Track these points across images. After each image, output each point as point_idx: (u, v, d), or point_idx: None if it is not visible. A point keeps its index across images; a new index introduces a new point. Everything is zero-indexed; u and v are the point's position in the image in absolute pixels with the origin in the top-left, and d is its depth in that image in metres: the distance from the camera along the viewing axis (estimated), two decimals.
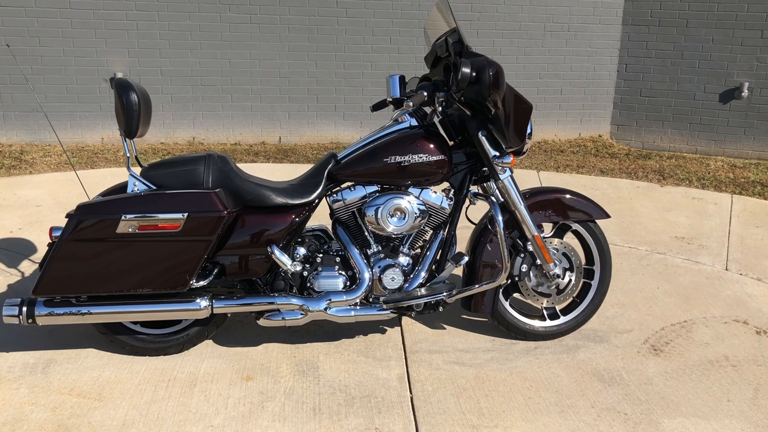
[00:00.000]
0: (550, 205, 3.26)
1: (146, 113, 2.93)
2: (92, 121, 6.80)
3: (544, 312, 3.39)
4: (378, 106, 3.47)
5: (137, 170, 2.95)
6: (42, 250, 4.25)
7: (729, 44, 7.28)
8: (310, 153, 6.89)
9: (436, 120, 3.16)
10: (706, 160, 7.19)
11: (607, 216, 3.33)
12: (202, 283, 2.92)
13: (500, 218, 3.03)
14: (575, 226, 3.35)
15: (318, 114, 7.24)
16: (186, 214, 2.74)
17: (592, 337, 3.45)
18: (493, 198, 3.12)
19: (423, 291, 3.07)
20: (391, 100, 3.30)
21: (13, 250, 4.30)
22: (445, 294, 3.05)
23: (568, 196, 3.29)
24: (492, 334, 3.44)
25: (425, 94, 2.92)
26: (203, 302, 2.92)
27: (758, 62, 7.19)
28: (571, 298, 3.40)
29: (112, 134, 6.86)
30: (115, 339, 3.06)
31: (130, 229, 2.72)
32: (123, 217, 2.70)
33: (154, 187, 2.89)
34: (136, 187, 2.89)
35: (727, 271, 4.40)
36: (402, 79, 3.29)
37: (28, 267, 4.07)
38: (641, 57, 7.64)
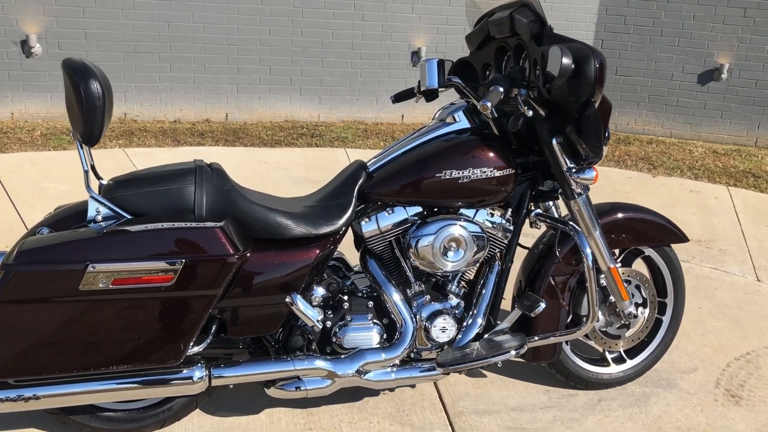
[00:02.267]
0: (624, 227, 2.63)
1: (109, 110, 2.07)
2: None
3: (608, 356, 2.78)
4: (401, 97, 2.73)
5: (95, 186, 2.10)
6: None
7: (710, 22, 6.86)
8: (264, 134, 6.01)
9: (489, 120, 2.45)
10: (686, 145, 6.81)
11: (686, 240, 2.74)
12: (196, 348, 2.12)
13: (589, 251, 2.36)
14: (648, 252, 2.74)
15: (271, 88, 6.34)
16: (183, 260, 1.92)
17: (656, 381, 2.88)
18: (572, 224, 2.44)
19: (484, 347, 2.38)
20: (423, 90, 2.56)
21: None
22: (514, 352, 2.37)
23: (643, 215, 2.67)
24: (544, 382, 2.81)
25: (501, 90, 2.18)
26: (197, 373, 2.13)
27: (739, 42, 6.82)
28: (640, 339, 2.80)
29: (25, 108, 5.74)
30: (69, 420, 2.22)
31: (100, 284, 1.88)
32: (90, 267, 1.86)
33: (125, 215, 2.05)
34: (100, 214, 2.03)
35: (760, 282, 3.95)
36: (441, 64, 2.54)
37: None
38: (619, 32, 7.13)
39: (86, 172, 2.06)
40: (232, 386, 2.26)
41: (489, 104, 2.13)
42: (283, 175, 5.11)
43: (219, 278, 1.98)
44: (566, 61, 2.04)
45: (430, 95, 2.60)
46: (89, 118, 1.95)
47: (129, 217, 2.04)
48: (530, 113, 2.20)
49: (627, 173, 5.83)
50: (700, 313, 3.52)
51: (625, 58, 7.15)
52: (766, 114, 6.90)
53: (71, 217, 2.08)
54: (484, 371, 2.85)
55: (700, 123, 7.10)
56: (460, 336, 2.41)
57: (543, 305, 2.42)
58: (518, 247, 2.66)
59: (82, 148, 2.06)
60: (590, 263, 2.35)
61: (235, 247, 1.99)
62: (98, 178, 2.17)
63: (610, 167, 5.94)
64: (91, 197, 2.04)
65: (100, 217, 2.02)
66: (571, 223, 2.43)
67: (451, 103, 2.56)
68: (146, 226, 1.95)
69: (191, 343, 2.05)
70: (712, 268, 4.10)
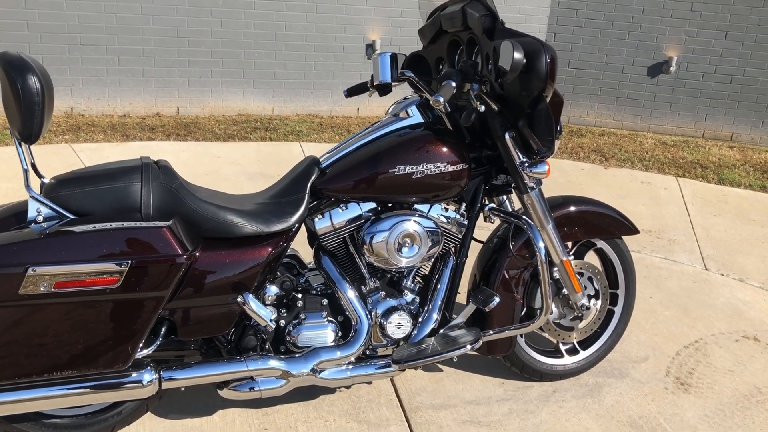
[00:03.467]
0: (576, 220, 2.66)
1: (50, 106, 1.99)
2: None
3: (561, 347, 2.81)
4: (354, 91, 2.70)
5: (36, 185, 2.02)
6: None
7: (659, 16, 6.99)
8: (217, 128, 5.91)
9: (443, 115, 2.44)
10: (636, 137, 6.94)
11: (637, 232, 2.78)
12: (145, 351, 2.07)
13: (542, 244, 2.37)
14: (600, 244, 2.78)
15: (223, 81, 6.23)
16: (129, 262, 1.86)
17: (609, 370, 2.92)
18: (525, 217, 2.44)
19: (440, 343, 2.38)
20: (376, 84, 2.54)
21: None
22: (469, 346, 2.37)
23: (595, 208, 2.70)
24: (499, 375, 2.83)
25: (454, 84, 2.16)
26: (147, 376, 2.07)
27: (687, 36, 6.97)
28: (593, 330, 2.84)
29: None
30: (12, 429, 2.13)
31: (42, 288, 1.81)
32: (30, 270, 1.79)
33: (68, 215, 1.98)
34: (41, 215, 1.96)
35: (708, 271, 4.05)
36: (394, 57, 2.52)
37: None
38: (571, 26, 7.21)
39: (26, 171, 1.98)
40: (183, 389, 2.21)
41: (442, 99, 2.12)
42: (237, 170, 5.03)
43: (167, 279, 1.92)
44: (517, 55, 2.04)
45: (384, 89, 2.58)
46: (28, 116, 1.87)
47: (72, 217, 1.97)
48: (482, 108, 2.20)
49: (580, 165, 5.91)
50: (650, 302, 3.58)
51: (577, 51, 7.25)
52: (713, 106, 7.08)
53: (10, 218, 1.99)
54: (440, 366, 2.85)
55: (650, 115, 7.24)
56: (415, 332, 2.40)
57: (497, 299, 2.43)
58: (473, 242, 2.67)
59: (20, 146, 1.98)
60: (543, 256, 2.36)
61: (184, 246, 1.94)
62: (39, 176, 2.08)
63: (563, 159, 6.02)
64: (32, 197, 1.96)
65: (41, 218, 1.95)
66: (524, 217, 2.44)
67: (405, 98, 2.54)
68: (90, 226, 1.88)
69: (140, 347, 1.99)
70: (662, 258, 4.18)
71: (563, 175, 5.55)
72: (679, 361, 3.05)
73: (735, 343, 3.23)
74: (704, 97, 7.08)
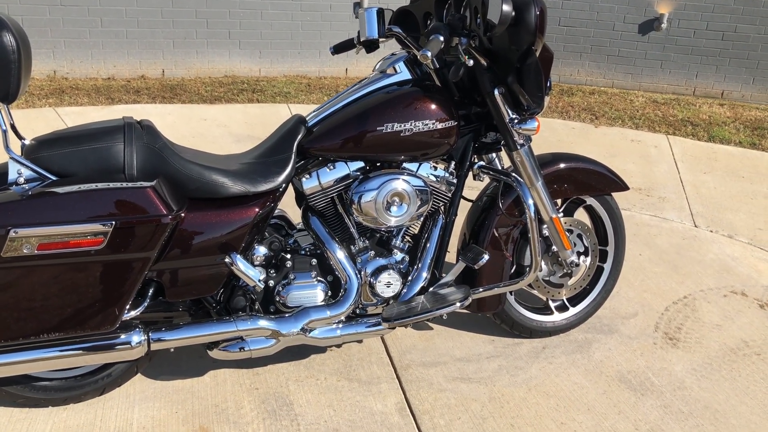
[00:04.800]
0: (566, 177, 2.64)
1: (27, 65, 1.94)
2: None
3: (551, 304, 2.82)
4: (341, 48, 2.65)
5: (17, 148, 1.98)
6: None
7: None
8: (203, 90, 5.83)
9: (431, 71, 2.40)
10: (627, 95, 6.90)
11: (627, 188, 2.77)
12: (133, 313, 2.05)
13: (531, 201, 2.36)
14: (590, 201, 2.77)
15: (209, 42, 6.13)
16: (113, 222, 1.84)
17: (599, 327, 2.94)
18: (515, 174, 2.43)
19: (429, 300, 2.38)
20: (363, 40, 2.48)
21: None
22: (459, 304, 2.37)
23: (585, 165, 2.68)
24: (489, 332, 2.84)
25: (441, 39, 2.12)
26: (135, 337, 2.06)
27: None
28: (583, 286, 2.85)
29: None
30: (1, 392, 2.13)
31: (25, 250, 1.78)
32: (12, 232, 1.76)
33: (50, 176, 1.94)
34: (22, 176, 1.92)
35: (697, 228, 4.06)
36: (381, 13, 2.47)
37: None
38: None
39: (4, 132, 1.93)
40: (173, 350, 2.21)
41: (429, 54, 2.08)
42: (224, 132, 4.97)
43: (152, 240, 1.90)
44: (506, 8, 2.00)
45: (371, 46, 2.53)
46: (4, 74, 1.83)
47: (54, 178, 1.94)
48: (471, 63, 2.16)
49: (570, 124, 5.88)
50: (640, 259, 3.60)
51: (568, 9, 7.15)
52: (704, 63, 7.03)
53: None
54: (430, 324, 2.86)
55: (641, 73, 7.19)
56: (405, 290, 2.40)
57: (486, 257, 2.42)
58: (463, 200, 2.66)
59: None
60: (532, 214, 2.35)
61: (168, 207, 1.91)
62: (20, 138, 2.04)
63: (553, 118, 5.98)
64: (12, 158, 1.92)
65: (22, 179, 1.91)
66: (513, 174, 2.42)
67: (392, 54, 2.49)
68: (73, 187, 1.85)
69: (127, 308, 1.98)
70: (652, 215, 4.19)
71: (554, 134, 5.52)
72: (668, 316, 3.07)
73: (723, 299, 3.26)
74: (695, 54, 7.02)
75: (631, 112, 6.24)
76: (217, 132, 4.96)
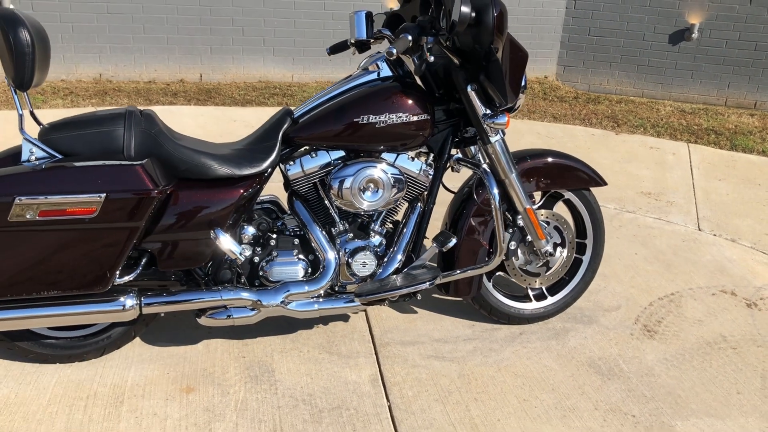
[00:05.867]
0: (543, 171, 2.79)
1: (43, 57, 2.22)
2: None
3: (530, 293, 2.96)
4: (336, 49, 2.87)
5: (34, 132, 2.27)
6: None
7: None
8: (237, 94, 6.15)
9: (411, 68, 2.59)
10: (655, 104, 6.92)
11: (604, 183, 2.90)
12: (126, 278, 2.31)
13: (496, 191, 2.53)
14: (568, 195, 2.91)
15: (244, 49, 6.46)
16: (104, 195, 2.10)
17: (579, 317, 3.06)
18: (485, 166, 2.60)
19: (400, 280, 2.57)
20: (354, 42, 2.70)
21: None
22: (428, 284, 2.56)
23: (562, 160, 2.82)
24: (470, 318, 3.00)
25: (410, 38, 2.32)
26: (129, 301, 2.32)
27: (710, 2, 6.88)
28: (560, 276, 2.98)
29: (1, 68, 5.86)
30: (14, 346, 2.42)
31: (28, 216, 2.06)
32: (17, 200, 2.03)
33: (58, 156, 2.22)
34: (33, 155, 2.20)
35: (701, 231, 4.11)
36: (369, 16, 2.68)
37: None
38: None
39: (21, 116, 2.22)
40: (163, 314, 2.45)
41: (395, 51, 2.28)
42: (250, 131, 5.25)
43: (140, 212, 2.15)
44: (465, 9, 2.18)
45: (362, 46, 2.74)
46: (19, 65, 2.10)
47: (60, 157, 2.21)
48: (432, 59, 2.35)
49: (591, 131, 5.96)
50: (634, 258, 3.69)
51: (598, 19, 7.23)
52: (736, 74, 7.00)
53: (7, 158, 2.24)
54: (414, 308, 3.04)
55: (671, 83, 7.21)
56: (380, 270, 2.59)
57: (454, 241, 2.60)
58: (447, 191, 2.84)
59: (15, 93, 2.22)
60: (497, 203, 2.52)
61: (155, 183, 2.16)
62: (39, 123, 2.33)
63: (575, 125, 6.08)
64: (25, 139, 2.20)
65: (33, 158, 2.19)
66: (483, 166, 2.59)
67: (378, 53, 2.70)
68: (72, 163, 2.12)
69: (117, 272, 2.23)
70: (656, 218, 4.26)
71: (572, 140, 5.62)
72: (651, 311, 3.17)
73: (711, 297, 3.33)
74: (727, 64, 7.00)
75: (654, 121, 6.28)
76: (243, 132, 5.24)
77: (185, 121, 5.28)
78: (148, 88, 6.04)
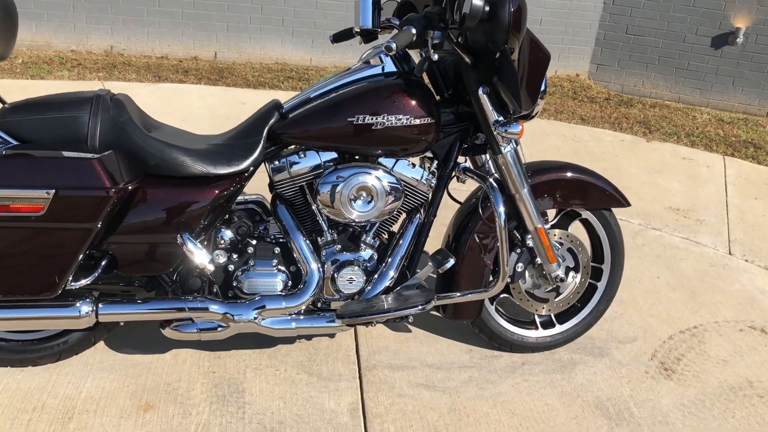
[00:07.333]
0: (559, 187, 2.50)
1: (7, 26, 1.98)
2: None
3: (537, 319, 2.68)
4: (340, 37, 2.60)
5: None
6: None
7: None
8: (251, 75, 5.89)
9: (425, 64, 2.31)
10: (691, 111, 6.54)
11: (628, 204, 2.60)
12: (84, 281, 2.07)
13: (502, 209, 2.24)
14: (585, 214, 2.61)
15: (262, 28, 6.19)
16: (53, 191, 1.85)
17: (589, 348, 2.78)
18: (492, 180, 2.31)
19: (390, 301, 2.30)
20: (359, 30, 2.42)
21: None
22: (420, 308, 2.28)
23: (581, 176, 2.52)
24: (469, 341, 2.73)
25: (414, 31, 2.03)
26: (84, 307, 2.08)
27: (759, 5, 6.45)
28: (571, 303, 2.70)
29: None
30: None
31: None
32: None
33: (13, 142, 1.98)
34: None
35: (731, 255, 3.79)
36: (376, 3, 2.40)
37: None
38: None
39: None
40: (122, 324, 2.22)
41: (394, 46, 1.99)
42: None
43: (95, 212, 1.90)
44: (477, 2, 1.89)
45: (368, 36, 2.46)
46: None
47: (15, 143, 1.97)
48: (435, 57, 2.06)
49: (621, 136, 5.62)
50: (656, 282, 3.39)
51: (637, 17, 6.84)
52: None
53: None
54: (409, 327, 2.78)
55: (711, 89, 6.80)
56: (369, 288, 2.33)
57: (452, 262, 2.32)
58: (453, 202, 2.57)
59: None
60: (502, 222, 2.23)
61: (113, 180, 1.91)
62: (2, 102, 2.10)
63: (604, 129, 5.73)
64: None
65: None
66: (490, 179, 2.31)
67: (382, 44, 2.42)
68: (25, 152, 1.88)
69: (68, 277, 1.99)
70: (683, 238, 3.94)
71: (599, 145, 5.29)
72: (670, 345, 2.87)
73: (738, 333, 3.02)
74: None
75: (689, 129, 5.91)
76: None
77: (192, 101, 5.04)
78: (159, 64, 5.81)
